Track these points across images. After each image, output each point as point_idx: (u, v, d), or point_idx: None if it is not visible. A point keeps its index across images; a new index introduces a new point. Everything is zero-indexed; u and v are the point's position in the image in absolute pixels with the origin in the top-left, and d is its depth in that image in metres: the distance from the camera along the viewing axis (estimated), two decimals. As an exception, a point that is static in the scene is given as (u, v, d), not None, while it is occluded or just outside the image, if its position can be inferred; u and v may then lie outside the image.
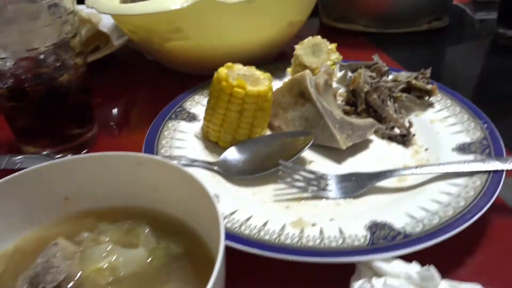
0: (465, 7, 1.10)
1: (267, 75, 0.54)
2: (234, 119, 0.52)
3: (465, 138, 0.51)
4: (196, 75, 0.68)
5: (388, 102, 0.56)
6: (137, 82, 0.79)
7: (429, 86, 0.57)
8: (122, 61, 0.86)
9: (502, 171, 0.44)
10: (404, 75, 0.62)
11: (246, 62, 0.69)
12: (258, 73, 0.55)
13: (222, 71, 0.52)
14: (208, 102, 0.54)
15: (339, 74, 0.67)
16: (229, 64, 0.54)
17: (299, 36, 0.90)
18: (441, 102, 0.58)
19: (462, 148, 0.50)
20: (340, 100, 0.62)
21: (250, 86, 0.51)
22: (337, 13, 0.94)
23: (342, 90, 0.64)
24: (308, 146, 0.50)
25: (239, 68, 0.55)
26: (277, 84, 0.61)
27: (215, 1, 0.58)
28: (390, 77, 0.63)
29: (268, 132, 0.58)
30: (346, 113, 0.59)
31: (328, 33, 0.97)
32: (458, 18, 1.02)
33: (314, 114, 0.53)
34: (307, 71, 0.55)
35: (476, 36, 0.93)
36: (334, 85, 0.65)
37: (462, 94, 0.71)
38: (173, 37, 0.64)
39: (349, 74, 0.65)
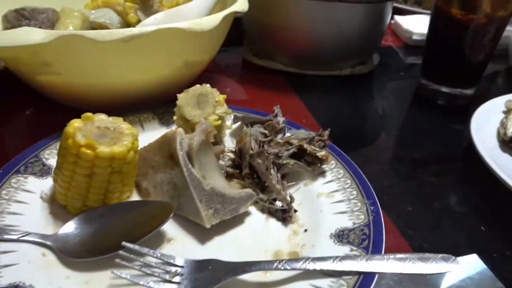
0: (399, 50, 1.07)
1: (133, 131, 0.47)
2: (82, 183, 0.44)
3: (346, 222, 0.45)
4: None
5: (272, 170, 0.49)
6: (22, 112, 0.69)
7: (321, 153, 0.51)
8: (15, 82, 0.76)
9: (374, 274, 0.38)
10: (301, 134, 0.55)
11: (136, 102, 0.61)
12: (124, 127, 0.47)
13: (72, 125, 0.44)
14: (57, 159, 0.46)
15: (235, 126, 0.60)
16: (88, 114, 0.46)
17: (218, 71, 0.84)
18: (334, 172, 0.52)
19: (341, 236, 0.43)
20: (227, 158, 0.55)
21: (105, 145, 0.43)
22: (258, 48, 0.88)
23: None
24: (165, 222, 0.43)
25: (100, 119, 0.47)
26: (163, 132, 0.54)
27: (83, 37, 0.50)
28: (288, 134, 0.57)
29: (134, 195, 0.50)
30: (229, 176, 0.52)
31: (249, 69, 0.91)
32: (389, 61, 0.98)
33: (181, 181, 0.46)
34: (179, 130, 0.47)
35: (401, 84, 0.89)
36: (227, 138, 0.59)
37: (375, 153, 0.66)
38: (42, 71, 0.55)
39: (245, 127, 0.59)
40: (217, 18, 0.57)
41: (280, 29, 0.81)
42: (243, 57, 0.90)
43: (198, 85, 0.54)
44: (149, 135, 0.56)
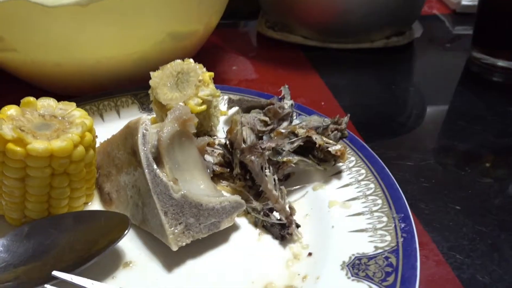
0: (445, 18, 0.91)
1: (84, 120, 0.36)
2: (15, 189, 0.34)
3: (366, 246, 0.32)
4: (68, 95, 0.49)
5: (267, 171, 0.37)
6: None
7: (334, 148, 0.39)
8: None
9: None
10: (313, 122, 0.43)
11: (114, 84, 0.51)
12: (76, 115, 0.37)
13: (2, 113, 0.34)
14: (-12, 157, 0.36)
15: (230, 112, 0.49)
16: (29, 99, 0.36)
17: (226, 47, 0.72)
18: (352, 172, 0.39)
19: (357, 266, 0.31)
20: (217, 153, 0.43)
21: (42, 140, 0.33)
22: (275, 19, 0.75)
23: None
24: (118, 241, 0.32)
25: (46, 105, 0.36)
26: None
27: (28, 3, 0.39)
28: (296, 121, 0.45)
29: (95, 201, 0.39)
30: (216, 175, 0.41)
31: (263, 44, 0.79)
32: (433, 31, 0.83)
33: (145, 186, 0.35)
34: (143, 118, 0.36)
35: (448, 59, 0.74)
36: (221, 128, 0.47)
37: (411, 145, 0.52)
38: (-4, 47, 0.46)
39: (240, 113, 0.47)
40: (206, -25, 0.45)
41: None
42: (257, 30, 0.77)
43: (178, 60, 0.43)
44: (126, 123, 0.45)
